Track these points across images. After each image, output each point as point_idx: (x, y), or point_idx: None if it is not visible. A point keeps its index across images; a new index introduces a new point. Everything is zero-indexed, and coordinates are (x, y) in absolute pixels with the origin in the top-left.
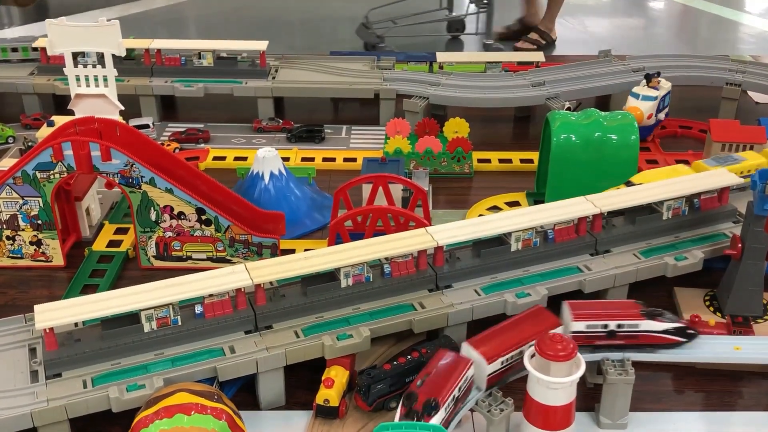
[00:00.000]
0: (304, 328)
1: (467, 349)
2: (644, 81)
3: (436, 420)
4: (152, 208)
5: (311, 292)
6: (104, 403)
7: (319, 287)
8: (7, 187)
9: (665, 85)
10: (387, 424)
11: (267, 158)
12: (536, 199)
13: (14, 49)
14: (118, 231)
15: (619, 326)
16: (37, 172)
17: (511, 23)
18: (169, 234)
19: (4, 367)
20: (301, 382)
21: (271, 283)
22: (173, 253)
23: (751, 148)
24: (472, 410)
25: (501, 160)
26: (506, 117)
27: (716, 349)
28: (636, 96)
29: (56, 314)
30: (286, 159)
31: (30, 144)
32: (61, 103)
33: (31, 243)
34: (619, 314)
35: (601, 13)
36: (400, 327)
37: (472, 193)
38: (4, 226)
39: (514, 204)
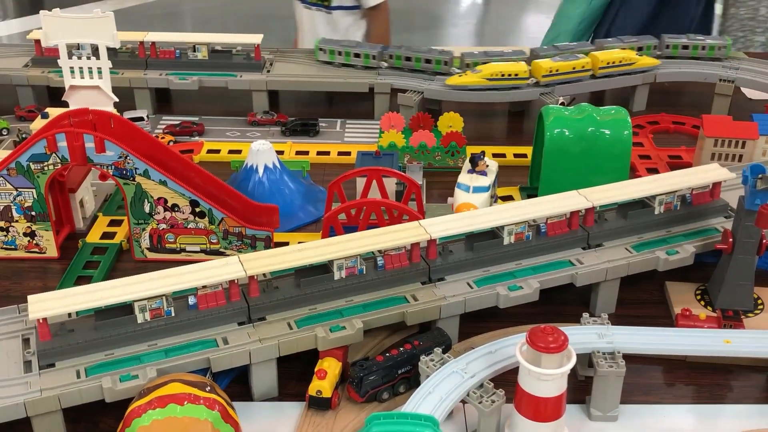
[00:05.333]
0: (297, 320)
1: None
2: (469, 166)
3: None
4: (146, 200)
5: (304, 284)
6: (97, 393)
7: (312, 279)
8: (1, 178)
9: (493, 166)
10: (379, 414)
11: (261, 151)
12: (529, 193)
13: None
14: (111, 223)
15: None
16: (31, 164)
17: None
18: (162, 226)
19: None
20: (294, 373)
21: (264, 275)
22: (167, 245)
23: (744, 144)
24: (463, 402)
25: (495, 155)
26: (500, 112)
27: (707, 342)
28: (466, 188)
29: (50, 305)
30: (280, 152)
31: (24, 136)
32: (55, 95)
33: (25, 234)
34: None
35: None
36: (393, 319)
37: None
38: None
39: (507, 198)
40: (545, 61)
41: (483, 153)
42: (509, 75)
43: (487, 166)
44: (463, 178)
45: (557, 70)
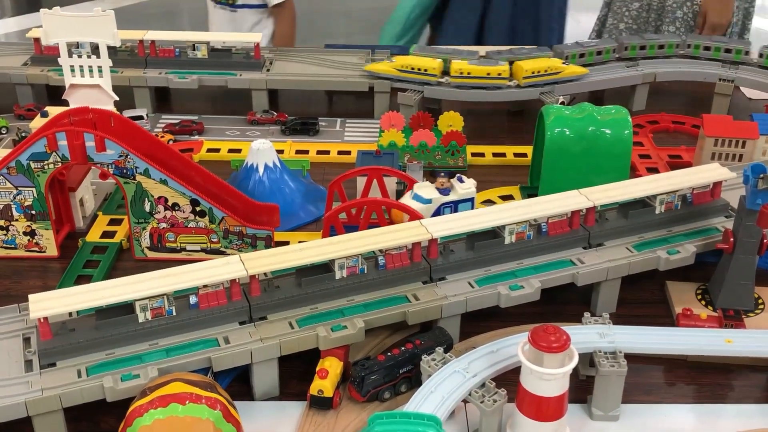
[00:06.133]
0: (298, 319)
1: None
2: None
3: None
4: (146, 199)
5: (306, 283)
6: (99, 392)
7: (313, 278)
8: (1, 177)
9: (462, 189)
10: (381, 413)
11: (261, 150)
12: (530, 192)
13: None
14: (111, 222)
15: None
16: (31, 162)
17: None
18: (163, 225)
19: None
20: (295, 372)
21: (265, 274)
22: (167, 244)
23: (744, 144)
24: (465, 401)
25: (495, 154)
26: (500, 111)
27: (708, 342)
28: (410, 192)
29: (51, 304)
30: (280, 151)
31: (23, 134)
32: (54, 94)
33: (25, 233)
34: None
35: (594, 9)
36: (394, 319)
37: None
38: None
39: (507, 197)
40: (459, 62)
41: (455, 174)
42: (418, 69)
43: (446, 183)
44: (419, 186)
45: (468, 73)
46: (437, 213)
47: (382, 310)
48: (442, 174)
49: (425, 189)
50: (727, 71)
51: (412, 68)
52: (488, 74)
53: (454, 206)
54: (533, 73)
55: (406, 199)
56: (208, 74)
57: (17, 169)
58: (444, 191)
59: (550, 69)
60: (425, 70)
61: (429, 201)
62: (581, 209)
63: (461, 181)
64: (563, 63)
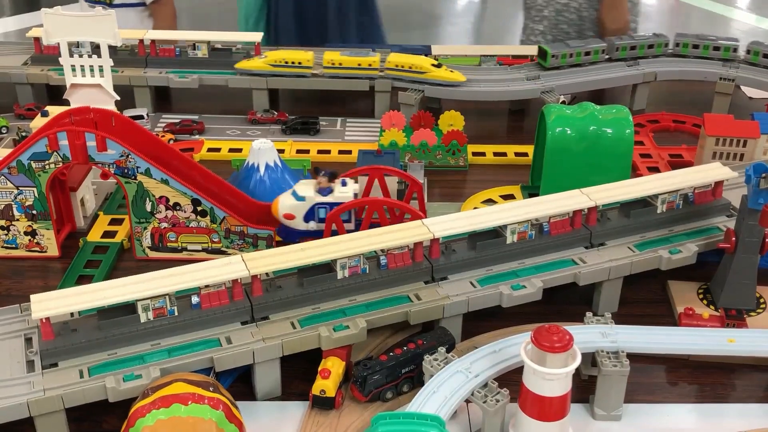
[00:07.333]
0: (300, 319)
1: None
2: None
3: None
4: (148, 199)
5: (308, 283)
6: (101, 392)
7: (315, 278)
8: (2, 176)
9: (339, 192)
10: (385, 413)
11: (263, 149)
12: (531, 192)
13: None
14: (112, 222)
15: None
16: (32, 162)
17: None
18: (164, 225)
19: (0, 357)
20: (298, 372)
21: (267, 274)
22: (168, 244)
23: (745, 143)
24: (467, 401)
25: (496, 154)
26: (501, 110)
27: (710, 341)
28: (291, 189)
29: (53, 304)
30: (281, 151)
31: (24, 134)
32: (54, 94)
33: (26, 233)
34: None
35: None
36: (396, 318)
37: (467, 185)
38: None
39: (508, 197)
40: (331, 53)
41: (334, 173)
42: (293, 62)
43: (323, 182)
44: (300, 184)
45: (340, 64)
46: (311, 212)
47: (384, 310)
48: (323, 173)
49: (304, 186)
50: (727, 70)
51: (286, 62)
52: (359, 65)
53: (330, 207)
54: (396, 66)
55: (286, 194)
56: (208, 74)
57: (18, 169)
58: (324, 191)
59: (414, 67)
60: (299, 63)
61: (303, 198)
62: (583, 209)
63: (344, 184)
64: (434, 65)
